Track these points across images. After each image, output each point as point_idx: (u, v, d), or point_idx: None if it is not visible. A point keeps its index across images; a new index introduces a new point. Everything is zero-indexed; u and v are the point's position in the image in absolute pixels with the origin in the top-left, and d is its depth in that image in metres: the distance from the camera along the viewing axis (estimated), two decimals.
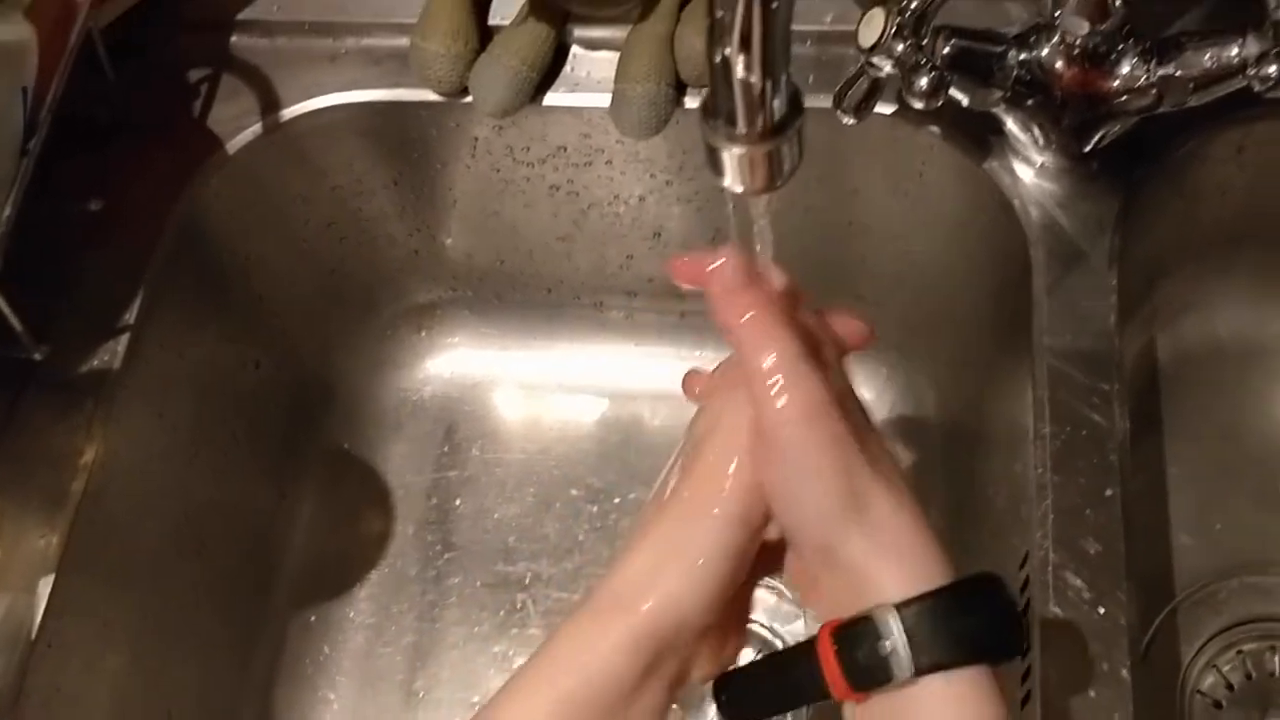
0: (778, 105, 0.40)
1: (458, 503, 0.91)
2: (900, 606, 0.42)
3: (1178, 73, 0.64)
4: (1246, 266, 0.82)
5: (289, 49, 0.80)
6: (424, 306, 0.96)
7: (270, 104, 0.79)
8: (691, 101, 0.76)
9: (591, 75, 0.78)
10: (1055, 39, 0.65)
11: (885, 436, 0.46)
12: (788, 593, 0.82)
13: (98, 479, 0.69)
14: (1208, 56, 0.63)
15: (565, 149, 0.81)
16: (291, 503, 0.91)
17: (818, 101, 0.72)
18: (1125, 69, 0.65)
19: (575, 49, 0.78)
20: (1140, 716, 0.58)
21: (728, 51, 0.39)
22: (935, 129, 0.74)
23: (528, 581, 0.88)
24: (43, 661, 0.65)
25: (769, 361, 0.43)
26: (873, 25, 0.64)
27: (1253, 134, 0.73)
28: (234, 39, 0.81)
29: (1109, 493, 0.63)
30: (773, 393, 0.43)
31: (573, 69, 0.78)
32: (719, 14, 0.38)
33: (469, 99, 0.77)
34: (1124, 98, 0.66)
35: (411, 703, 0.85)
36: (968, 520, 0.79)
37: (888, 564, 0.43)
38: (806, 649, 0.44)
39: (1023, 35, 0.67)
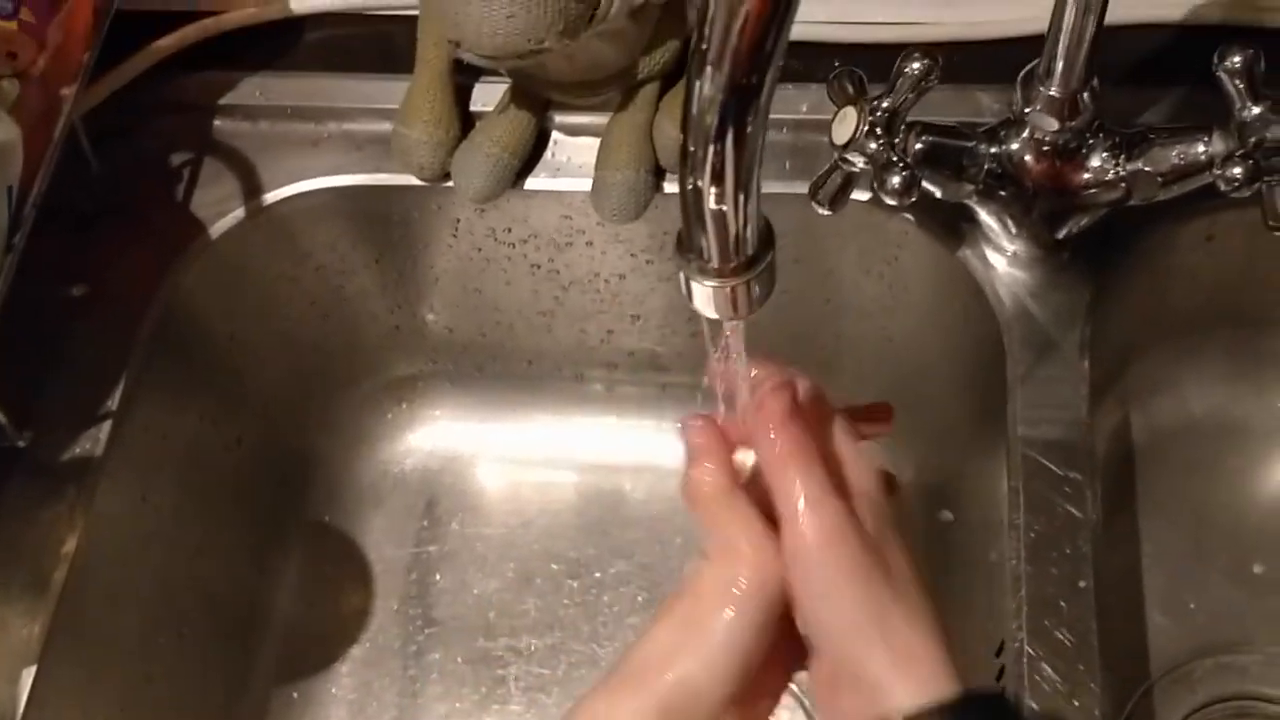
0: (749, 238, 0.41)
1: (438, 577, 0.91)
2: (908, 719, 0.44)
3: (1146, 168, 0.65)
4: (1218, 347, 0.83)
5: (271, 133, 0.81)
6: (405, 379, 0.97)
7: (253, 188, 0.80)
8: (670, 186, 0.77)
9: (572, 160, 0.79)
10: (1025, 133, 0.66)
11: (908, 541, 0.48)
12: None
13: (79, 567, 0.69)
14: (1175, 153, 0.64)
15: (546, 230, 0.82)
16: (272, 578, 0.91)
17: (794, 187, 0.74)
18: (1095, 163, 0.66)
19: (556, 135, 0.79)
20: None
21: (700, 183, 0.40)
22: (909, 216, 0.75)
23: (509, 657, 0.88)
24: None
25: (793, 488, 0.46)
26: (846, 124, 0.64)
27: (1220, 222, 0.74)
28: (217, 123, 0.82)
29: (1082, 584, 0.64)
30: (798, 519, 0.46)
31: (554, 154, 0.79)
32: (690, 148, 0.39)
33: (451, 183, 0.78)
34: (1093, 191, 0.67)
35: None
36: (944, 606, 0.79)
37: (900, 675, 0.45)
38: None
39: (993, 130, 0.68)
